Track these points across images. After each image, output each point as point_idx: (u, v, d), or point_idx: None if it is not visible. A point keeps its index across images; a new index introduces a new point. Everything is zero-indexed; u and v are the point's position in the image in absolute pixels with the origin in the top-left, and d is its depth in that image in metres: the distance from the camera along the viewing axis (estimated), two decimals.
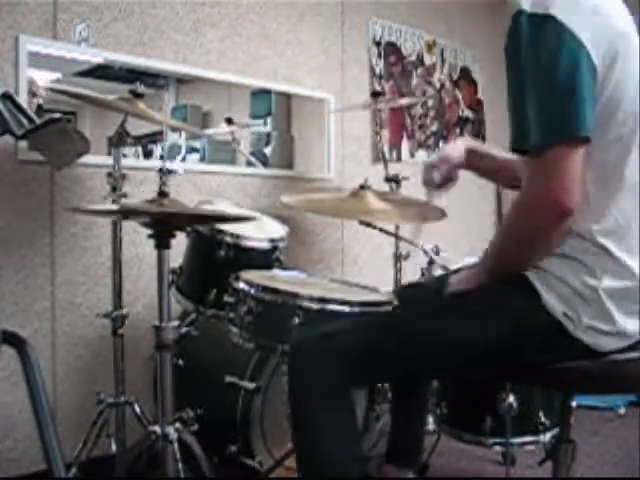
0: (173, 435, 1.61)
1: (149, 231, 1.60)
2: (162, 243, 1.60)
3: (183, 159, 2.67)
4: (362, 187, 2.04)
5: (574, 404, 1.43)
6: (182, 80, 2.68)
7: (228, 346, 1.87)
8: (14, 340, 1.16)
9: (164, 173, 1.72)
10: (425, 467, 2.14)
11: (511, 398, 1.90)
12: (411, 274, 2.52)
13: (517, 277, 1.27)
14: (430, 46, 3.55)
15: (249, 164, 2.81)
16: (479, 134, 3.86)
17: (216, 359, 2.13)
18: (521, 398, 1.92)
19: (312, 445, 1.28)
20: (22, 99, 2.07)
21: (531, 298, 1.24)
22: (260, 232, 2.13)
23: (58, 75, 2.29)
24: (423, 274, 2.46)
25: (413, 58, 3.46)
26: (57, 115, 1.26)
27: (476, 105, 3.85)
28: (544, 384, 1.52)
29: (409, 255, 2.64)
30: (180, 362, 2.06)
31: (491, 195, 3.94)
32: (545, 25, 1.16)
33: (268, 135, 2.96)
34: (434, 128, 3.58)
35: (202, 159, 2.74)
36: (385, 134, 3.29)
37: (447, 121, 3.67)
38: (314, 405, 1.28)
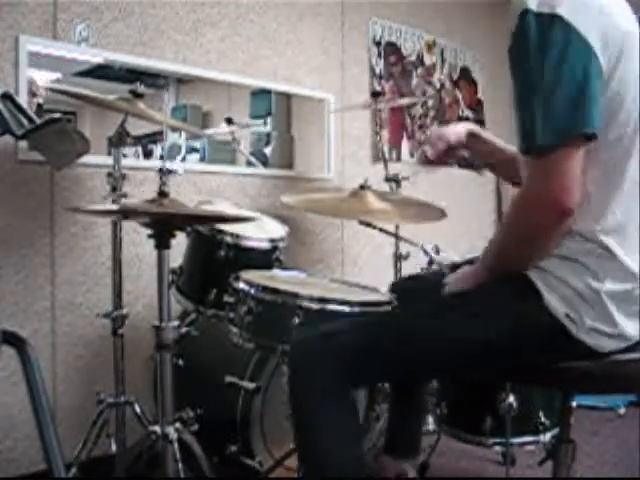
0: (173, 435, 1.61)
1: (149, 231, 1.60)
2: (162, 243, 1.60)
3: (183, 159, 2.67)
4: (362, 187, 2.04)
5: (574, 404, 1.43)
6: (182, 80, 2.68)
7: (228, 346, 1.87)
8: (14, 340, 1.16)
9: (164, 173, 1.72)
10: (425, 467, 2.14)
11: (511, 398, 1.90)
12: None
13: (519, 277, 1.27)
14: (430, 46, 3.55)
15: (249, 164, 2.81)
16: None
17: (216, 359, 2.13)
18: (521, 398, 1.92)
19: (313, 445, 1.28)
20: (22, 99, 2.07)
21: (533, 298, 1.24)
22: (260, 232, 2.13)
23: (58, 75, 2.29)
24: None
25: (413, 58, 3.46)
26: (57, 115, 1.26)
27: (476, 105, 3.85)
28: (544, 384, 1.52)
29: (409, 255, 2.64)
30: (180, 362, 2.06)
31: (491, 194, 3.95)
32: (553, 24, 1.15)
33: (268, 135, 2.96)
34: (434, 128, 3.57)
35: (202, 159, 2.74)
36: (385, 134, 3.29)
37: (447, 121, 3.66)
38: (314, 405, 1.28)
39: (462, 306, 1.31)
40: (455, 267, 1.54)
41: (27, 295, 2.15)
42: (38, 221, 2.18)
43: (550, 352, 1.26)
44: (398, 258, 2.68)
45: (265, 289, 1.71)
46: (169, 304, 1.64)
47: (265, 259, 2.08)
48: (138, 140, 2.42)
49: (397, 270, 2.68)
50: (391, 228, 2.44)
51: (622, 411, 2.88)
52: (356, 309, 1.59)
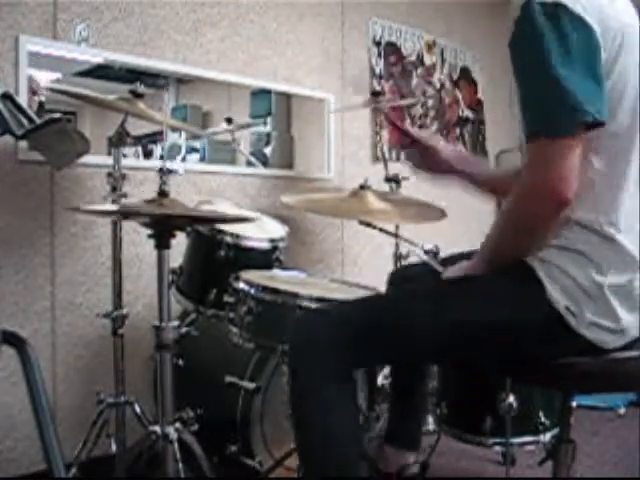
0: (173, 435, 1.61)
1: (149, 231, 1.60)
2: (162, 243, 1.60)
3: (183, 159, 2.67)
4: (362, 187, 2.04)
5: (574, 404, 1.43)
6: (182, 80, 2.68)
7: (228, 346, 1.87)
8: (14, 340, 1.16)
9: (164, 173, 1.72)
10: (425, 467, 2.14)
11: (511, 398, 1.90)
12: None
13: (521, 266, 1.27)
14: (430, 46, 3.55)
15: (249, 164, 2.81)
16: (479, 134, 3.86)
17: (216, 359, 2.13)
18: (521, 398, 1.92)
19: (312, 421, 1.29)
20: (22, 99, 2.07)
21: (534, 288, 1.24)
22: (260, 232, 2.13)
23: (58, 75, 2.29)
24: None
25: (413, 58, 3.46)
26: (57, 115, 1.26)
27: (476, 105, 3.85)
28: (544, 383, 1.52)
29: (409, 255, 2.64)
30: (180, 362, 2.06)
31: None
32: (558, 12, 1.15)
33: (268, 135, 2.96)
34: (434, 128, 3.57)
35: (202, 159, 2.74)
36: (385, 134, 3.29)
37: (447, 121, 3.66)
38: (314, 385, 1.28)
39: (463, 290, 1.32)
40: (445, 261, 1.54)
41: (27, 295, 2.15)
42: (38, 221, 2.18)
43: (549, 344, 1.25)
44: (398, 258, 2.68)
45: (265, 289, 1.71)
46: (169, 304, 1.64)
47: (265, 259, 2.08)
48: (138, 140, 2.42)
49: None
50: (391, 228, 2.44)
51: (622, 411, 2.88)
52: None
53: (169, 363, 1.62)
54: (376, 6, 3.26)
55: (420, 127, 3.49)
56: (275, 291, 1.70)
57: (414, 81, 3.46)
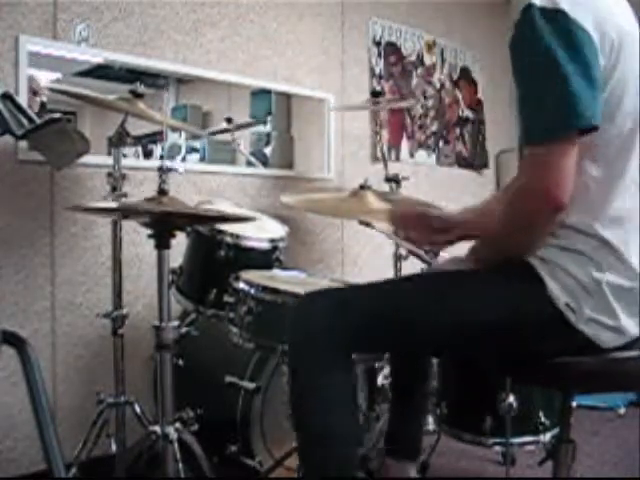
0: (173, 435, 1.61)
1: (149, 231, 1.60)
2: (162, 243, 1.60)
3: (183, 159, 2.67)
4: (362, 187, 2.04)
5: (574, 404, 1.43)
6: (182, 80, 2.68)
7: (228, 346, 1.87)
8: (14, 340, 1.16)
9: (164, 171, 1.72)
10: (425, 467, 2.14)
11: (511, 398, 1.90)
12: None
13: (523, 266, 1.28)
14: (430, 46, 3.55)
15: (249, 164, 2.81)
16: (479, 134, 3.86)
17: (216, 359, 2.13)
18: (521, 398, 1.92)
19: (312, 420, 1.29)
20: (22, 99, 2.07)
21: (535, 285, 1.25)
22: (260, 232, 2.13)
23: (58, 75, 2.29)
24: None
25: (413, 58, 3.46)
26: (57, 115, 1.26)
27: (476, 105, 3.85)
28: (544, 383, 1.52)
29: (409, 255, 2.64)
30: (180, 362, 2.06)
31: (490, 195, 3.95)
32: (558, 19, 1.16)
33: (268, 135, 2.96)
34: (434, 128, 3.58)
35: (202, 159, 2.74)
36: (385, 134, 3.29)
37: (447, 121, 3.67)
38: (314, 367, 1.28)
39: (464, 285, 1.32)
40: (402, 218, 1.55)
41: (27, 295, 2.15)
42: (38, 221, 2.18)
43: (549, 340, 1.26)
44: (398, 258, 2.68)
45: (265, 289, 1.72)
46: (169, 304, 1.64)
47: (265, 259, 2.08)
48: (138, 140, 2.42)
49: (397, 270, 2.68)
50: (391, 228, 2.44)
51: (622, 411, 2.88)
52: None
53: (169, 363, 1.62)
54: (376, 6, 3.26)
55: (420, 127, 3.49)
56: (275, 291, 1.70)
57: (414, 81, 3.46)
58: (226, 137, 2.64)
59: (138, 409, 2.02)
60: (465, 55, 3.77)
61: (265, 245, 2.09)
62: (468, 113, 3.79)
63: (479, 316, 1.26)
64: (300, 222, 2.89)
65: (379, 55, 3.29)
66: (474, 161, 3.84)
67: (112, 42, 2.34)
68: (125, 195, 2.00)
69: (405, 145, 3.41)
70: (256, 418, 1.92)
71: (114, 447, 2.02)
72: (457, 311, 1.28)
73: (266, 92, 2.87)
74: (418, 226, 1.49)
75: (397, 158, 3.35)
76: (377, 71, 3.28)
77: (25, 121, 1.20)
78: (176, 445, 1.61)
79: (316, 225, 2.99)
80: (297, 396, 1.32)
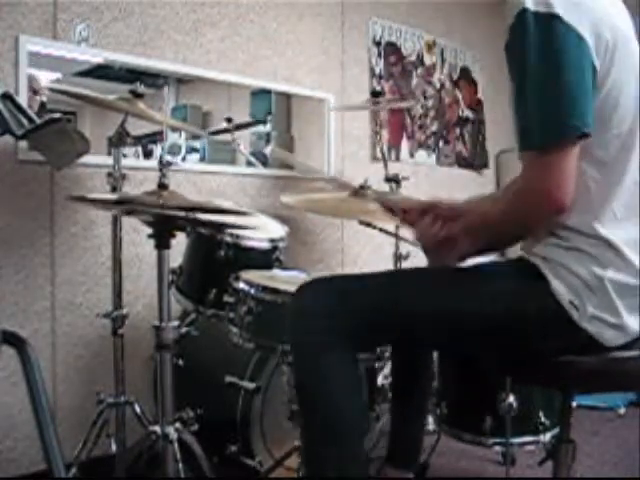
0: (173, 435, 1.61)
1: (149, 231, 1.60)
2: (162, 243, 1.60)
3: (183, 159, 2.67)
4: (362, 187, 2.04)
5: (574, 404, 1.43)
6: (182, 80, 2.68)
7: (228, 346, 1.87)
8: (14, 340, 1.16)
9: (164, 165, 1.71)
10: (425, 467, 2.14)
11: (511, 398, 1.90)
12: None
13: (526, 264, 1.30)
14: (430, 46, 3.55)
15: (249, 164, 2.80)
16: (479, 134, 3.86)
17: (216, 359, 2.13)
18: (521, 398, 1.92)
19: (315, 390, 1.30)
20: (22, 99, 2.07)
21: (540, 283, 1.25)
22: (260, 232, 2.13)
23: (58, 75, 2.29)
24: None
25: (413, 58, 3.46)
26: (57, 115, 1.26)
27: (476, 105, 3.85)
28: (544, 383, 1.52)
29: (409, 255, 2.64)
30: (180, 362, 2.05)
31: None
32: (551, 24, 1.16)
33: (268, 135, 2.96)
34: (434, 128, 3.58)
35: (202, 159, 2.73)
36: (385, 134, 3.29)
37: (447, 121, 3.67)
38: (316, 355, 1.29)
39: (467, 277, 1.34)
40: (407, 212, 1.52)
41: (27, 295, 2.15)
42: (38, 221, 2.18)
43: (552, 338, 1.26)
44: (398, 258, 2.68)
45: (265, 289, 1.72)
46: (169, 304, 1.64)
47: (265, 259, 2.08)
48: (138, 140, 2.42)
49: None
50: (391, 228, 2.44)
51: (622, 411, 2.88)
52: None
53: (169, 363, 1.62)
54: (376, 6, 3.26)
55: (420, 127, 3.49)
56: (275, 291, 1.70)
57: (414, 81, 3.46)
58: (226, 137, 2.64)
59: (138, 409, 2.02)
60: (465, 55, 3.77)
61: (265, 245, 2.09)
62: (468, 113, 3.79)
63: (481, 309, 1.27)
64: (300, 222, 2.89)
65: (379, 55, 3.29)
66: (474, 161, 3.84)
67: (112, 42, 2.34)
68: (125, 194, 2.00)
69: (405, 145, 3.41)
70: (256, 418, 1.92)
71: (114, 447, 2.03)
72: (459, 303, 1.28)
73: (266, 92, 2.87)
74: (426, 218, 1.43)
75: (397, 158, 3.35)
76: (377, 71, 3.28)
77: (25, 121, 1.20)
78: (176, 445, 1.61)
79: (316, 225, 2.99)
80: (301, 385, 1.33)
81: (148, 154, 2.57)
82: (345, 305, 1.30)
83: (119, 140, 1.99)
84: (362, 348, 1.55)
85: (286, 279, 1.92)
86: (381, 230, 1.93)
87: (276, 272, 2.05)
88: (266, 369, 1.95)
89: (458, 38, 3.71)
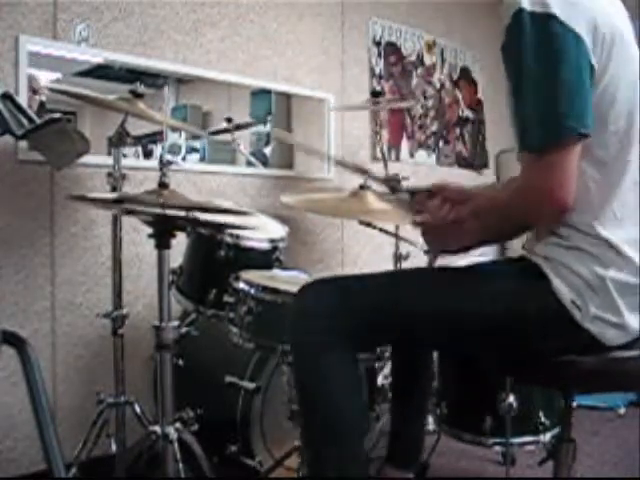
0: (173, 435, 1.61)
1: (149, 231, 1.60)
2: (162, 243, 1.60)
3: (183, 159, 2.67)
4: (362, 187, 2.04)
5: (574, 404, 1.43)
6: (182, 80, 2.68)
7: (228, 346, 1.87)
8: (14, 340, 1.16)
9: (164, 165, 1.71)
10: (425, 467, 2.14)
11: (511, 398, 1.90)
12: None
13: (527, 263, 1.30)
14: (430, 46, 3.55)
15: (249, 164, 2.80)
16: (479, 134, 3.86)
17: (216, 359, 2.13)
18: (521, 398, 1.92)
19: (315, 389, 1.30)
20: (22, 99, 2.07)
21: (541, 283, 1.25)
22: (260, 232, 2.12)
23: (58, 75, 2.29)
24: None
25: (413, 58, 3.46)
26: (57, 115, 1.26)
27: (476, 105, 3.85)
28: (544, 383, 1.52)
29: (409, 255, 2.64)
30: (180, 362, 2.05)
31: None
32: (548, 24, 1.16)
33: (268, 135, 2.96)
34: (434, 128, 3.58)
35: (202, 159, 2.74)
36: (385, 134, 3.29)
37: (447, 121, 3.67)
38: (316, 355, 1.29)
39: (468, 276, 1.34)
40: (413, 194, 1.55)
41: (27, 295, 2.15)
42: (38, 221, 2.18)
43: (553, 338, 1.26)
44: (398, 258, 2.68)
45: (265, 289, 1.71)
46: (169, 304, 1.64)
47: (265, 259, 2.08)
48: (138, 140, 2.42)
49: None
50: (391, 228, 2.44)
51: (622, 411, 2.88)
52: None
53: (169, 363, 1.62)
54: (376, 6, 3.26)
55: (420, 127, 3.49)
56: (275, 291, 1.70)
57: (414, 81, 3.47)
58: (226, 137, 2.64)
59: (138, 409, 2.02)
60: (465, 55, 3.77)
61: (265, 245, 2.09)
62: (468, 113, 3.79)
63: (481, 309, 1.27)
64: (300, 222, 2.89)
65: (379, 55, 3.29)
66: (474, 161, 3.84)
67: (112, 42, 2.34)
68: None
69: (405, 145, 3.41)
70: (256, 418, 1.92)
71: (114, 447, 2.02)
72: (459, 303, 1.28)
73: (266, 92, 2.87)
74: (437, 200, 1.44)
75: (397, 158, 3.35)
76: (377, 71, 3.28)
77: (25, 121, 1.20)
78: (176, 445, 1.61)
79: (316, 225, 2.99)
80: (301, 385, 1.34)
81: (148, 154, 2.57)
82: (346, 305, 1.30)
83: (119, 140, 1.99)
84: (362, 348, 1.55)
85: (286, 279, 1.92)
86: (381, 230, 1.93)
87: (276, 272, 2.05)
88: (266, 369, 1.95)
89: (458, 38, 3.71)
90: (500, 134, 3.84)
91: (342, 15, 3.13)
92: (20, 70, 2.11)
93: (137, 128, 2.18)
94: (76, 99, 2.09)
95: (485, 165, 3.88)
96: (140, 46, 2.42)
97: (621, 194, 1.26)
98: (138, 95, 1.99)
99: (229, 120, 2.58)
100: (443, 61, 3.64)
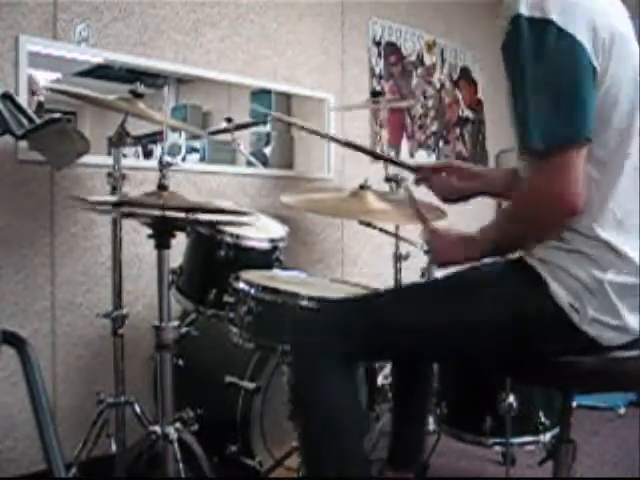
0: (173, 435, 1.61)
1: (149, 231, 1.60)
2: (162, 243, 1.60)
3: (183, 159, 2.67)
4: (362, 187, 2.04)
5: (574, 404, 1.43)
6: (182, 80, 2.68)
7: (228, 346, 1.87)
8: (14, 340, 1.16)
9: (164, 166, 1.71)
10: (425, 467, 2.14)
11: (511, 398, 1.91)
12: (411, 274, 2.52)
13: (524, 266, 1.29)
14: (430, 46, 3.55)
15: (249, 164, 2.80)
16: (479, 134, 3.86)
17: (216, 359, 2.13)
18: (521, 398, 1.92)
19: (314, 399, 1.31)
20: (22, 99, 2.07)
21: (539, 286, 1.25)
22: (260, 232, 2.13)
23: (58, 75, 2.29)
24: (423, 274, 2.46)
25: (413, 58, 3.46)
26: (57, 115, 1.26)
27: (476, 105, 3.85)
28: (544, 383, 1.52)
29: (409, 255, 2.64)
30: (180, 362, 2.05)
31: None
32: (546, 30, 1.16)
33: (268, 135, 2.96)
34: (434, 128, 3.58)
35: (202, 159, 2.74)
36: (385, 134, 3.29)
37: (447, 121, 3.67)
38: (316, 355, 1.30)
39: (466, 287, 1.33)
40: (419, 169, 1.62)
41: (27, 295, 2.15)
42: (38, 221, 2.18)
43: (552, 340, 1.26)
44: (398, 258, 2.67)
45: (265, 289, 1.71)
46: (169, 304, 1.64)
47: (265, 259, 2.08)
48: (138, 140, 2.42)
49: (397, 270, 2.68)
50: (391, 228, 2.44)
51: (622, 411, 2.88)
52: None
53: (169, 363, 1.62)
54: (376, 6, 3.26)
55: (420, 127, 3.49)
56: (275, 291, 1.70)
57: (414, 81, 3.46)
58: (226, 137, 2.64)
59: (138, 409, 2.02)
60: (465, 55, 3.77)
61: (265, 245, 2.09)
62: (468, 113, 3.79)
63: (481, 318, 1.27)
64: (300, 222, 2.89)
65: (379, 55, 3.29)
66: (474, 161, 3.83)
67: (112, 42, 2.34)
68: (125, 195, 1.99)
69: (405, 145, 3.41)
70: (256, 418, 1.92)
71: (114, 447, 2.02)
72: (458, 316, 1.28)
73: (266, 92, 2.87)
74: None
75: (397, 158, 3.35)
76: (377, 71, 3.28)
77: (25, 121, 1.20)
78: (176, 445, 1.61)
79: (316, 225, 2.99)
80: (300, 385, 1.34)
81: (148, 154, 2.57)
82: (347, 332, 1.31)
83: (119, 140, 1.99)
84: (362, 358, 1.55)
85: (286, 279, 1.92)
86: (381, 230, 1.93)
87: (276, 272, 2.05)
88: (266, 369, 1.95)
89: (458, 38, 3.71)
90: (500, 134, 3.84)
91: (342, 15, 3.13)
92: (20, 70, 2.11)
93: (137, 128, 2.18)
94: (76, 99, 2.09)
95: (485, 165, 3.88)
96: (140, 46, 2.42)
97: (619, 194, 1.25)
98: (138, 95, 1.99)
99: (229, 120, 2.58)
100: (443, 61, 3.64)
